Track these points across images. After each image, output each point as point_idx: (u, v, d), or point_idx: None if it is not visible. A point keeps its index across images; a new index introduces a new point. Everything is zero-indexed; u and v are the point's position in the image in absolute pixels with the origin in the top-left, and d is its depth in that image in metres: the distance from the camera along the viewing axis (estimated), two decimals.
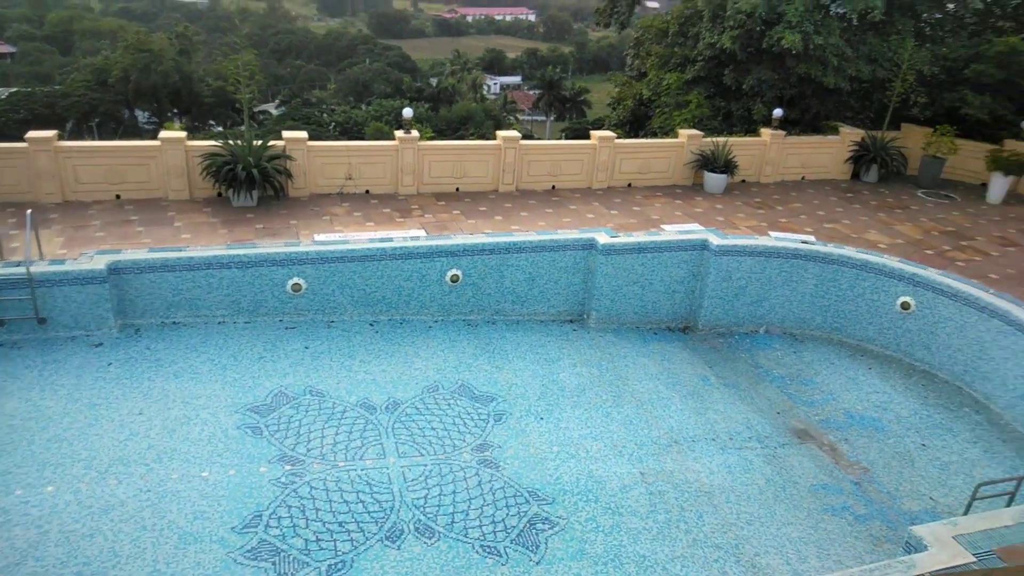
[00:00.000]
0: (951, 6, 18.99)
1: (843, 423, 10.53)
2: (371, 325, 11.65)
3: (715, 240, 12.56)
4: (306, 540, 7.49)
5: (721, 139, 16.24)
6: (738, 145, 16.36)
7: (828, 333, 12.86)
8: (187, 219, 12.17)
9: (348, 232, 12.03)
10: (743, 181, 16.82)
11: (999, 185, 16.45)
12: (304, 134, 13.83)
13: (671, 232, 13.00)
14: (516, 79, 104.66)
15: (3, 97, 52.93)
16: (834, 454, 9.83)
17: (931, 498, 9.11)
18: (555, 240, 12.29)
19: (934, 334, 11.77)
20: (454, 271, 11.85)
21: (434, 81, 78.92)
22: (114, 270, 10.33)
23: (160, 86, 54.51)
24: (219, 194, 13.18)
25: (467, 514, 8.07)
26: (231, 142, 13.02)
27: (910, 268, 12.04)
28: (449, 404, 9.97)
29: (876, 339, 12.45)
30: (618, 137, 15.83)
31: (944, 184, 17.68)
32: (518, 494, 8.46)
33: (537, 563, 7.54)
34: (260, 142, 13.16)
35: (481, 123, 55.51)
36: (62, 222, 11.71)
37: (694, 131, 16.40)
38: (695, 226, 13.41)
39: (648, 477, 8.97)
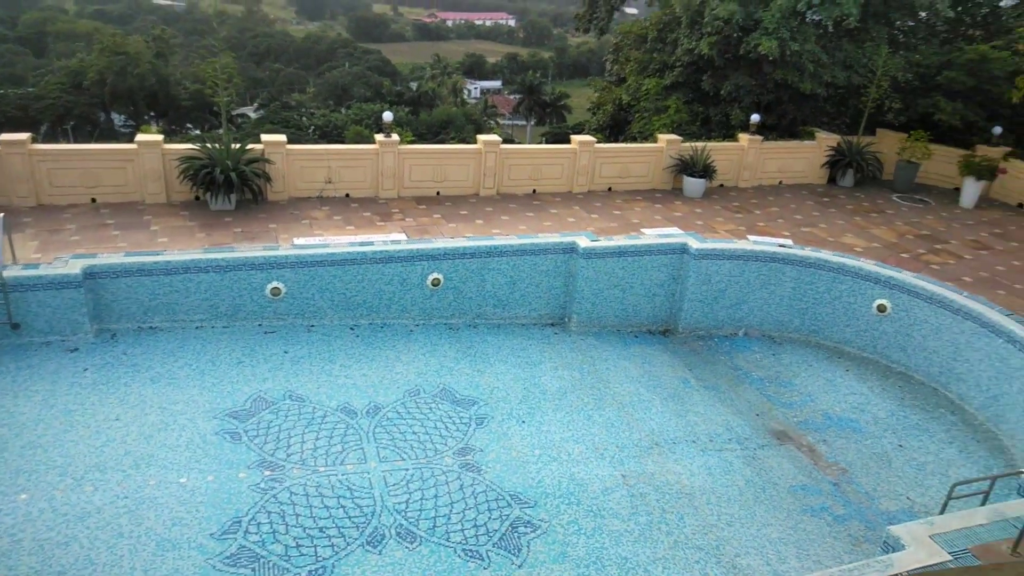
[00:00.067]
0: (923, 14, 19.33)
1: (821, 424, 10.64)
2: (352, 329, 11.59)
3: (695, 244, 12.65)
4: (286, 546, 7.43)
5: (700, 144, 16.38)
6: (716, 150, 16.50)
7: (806, 335, 13.00)
8: (164, 223, 12.04)
9: (328, 236, 11.96)
10: (721, 185, 16.97)
11: (971, 190, 16.74)
12: (283, 137, 13.75)
13: (651, 236, 13.08)
14: (496, 84, 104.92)
15: None
16: (813, 455, 9.92)
17: (908, 498, 9.23)
18: (536, 244, 12.31)
19: (910, 336, 11.94)
20: (435, 275, 11.83)
21: (414, 85, 78.84)
22: (90, 274, 10.19)
23: (137, 89, 53.93)
24: (197, 198, 13.05)
25: (449, 518, 8.05)
26: (209, 145, 12.91)
27: (886, 271, 12.21)
28: (431, 408, 9.94)
29: (853, 341, 12.60)
30: (598, 142, 15.90)
31: (918, 188, 17.96)
32: (500, 497, 8.45)
33: (519, 566, 7.53)
34: (238, 145, 13.06)
35: (462, 127, 55.55)
36: (36, 226, 11.53)
37: (673, 136, 16.53)
38: (675, 230, 13.51)
39: (629, 479, 9.00)
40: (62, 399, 9.12)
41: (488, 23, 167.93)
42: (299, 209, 13.14)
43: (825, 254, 12.78)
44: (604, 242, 12.51)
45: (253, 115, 64.73)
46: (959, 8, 19.82)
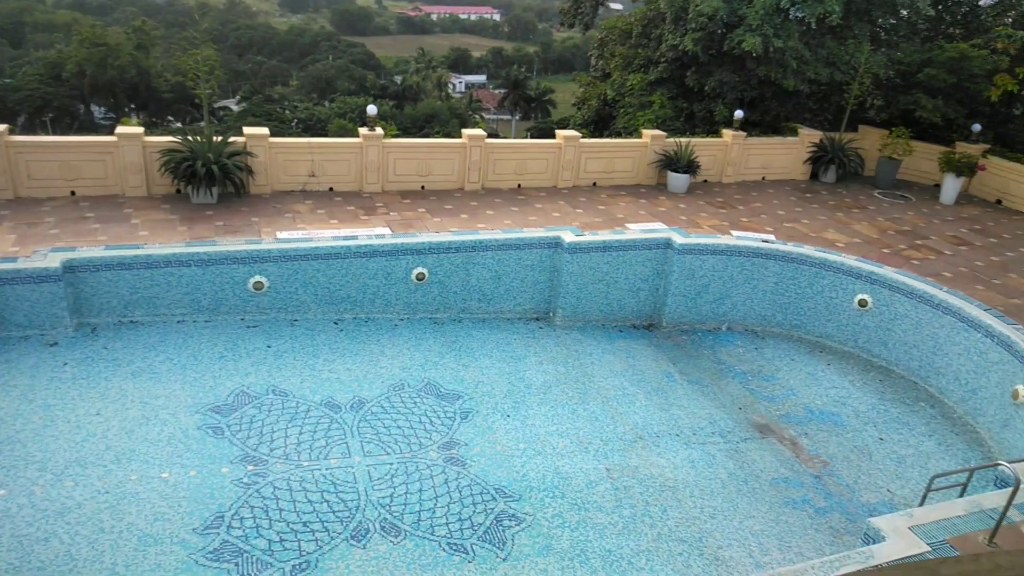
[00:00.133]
0: (904, 12, 19.52)
1: (803, 418, 10.74)
2: (335, 323, 11.54)
3: (678, 239, 12.71)
4: (269, 541, 7.39)
5: (684, 140, 16.44)
6: (700, 146, 16.57)
7: (788, 330, 13.11)
8: (145, 216, 11.91)
9: (311, 230, 11.89)
10: (705, 181, 17.04)
11: (951, 186, 16.93)
12: (266, 130, 13.62)
13: (636, 231, 13.12)
14: (481, 78, 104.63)
15: None
16: (794, 448, 10.02)
17: (888, 490, 9.34)
18: (521, 238, 12.31)
19: (890, 331, 12.07)
20: (420, 269, 11.80)
21: (399, 79, 78.55)
22: (69, 268, 10.06)
23: (117, 81, 53.32)
24: (178, 191, 12.92)
25: (433, 512, 8.05)
26: (190, 138, 12.77)
27: (867, 266, 12.33)
28: (415, 402, 9.92)
29: (835, 336, 12.72)
30: (583, 137, 15.91)
31: (899, 185, 18.14)
32: (485, 491, 8.46)
33: (504, 559, 7.55)
34: (220, 138, 12.93)
35: (446, 121, 55.40)
36: (14, 219, 11.37)
37: (657, 131, 16.57)
38: (659, 225, 13.56)
39: (613, 472, 9.04)
40: (41, 394, 9.01)
41: (473, 17, 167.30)
42: (282, 203, 13.05)
43: (807, 249, 12.87)
44: (589, 237, 12.53)
45: (235, 108, 64.17)
46: (939, 6, 20.05)
